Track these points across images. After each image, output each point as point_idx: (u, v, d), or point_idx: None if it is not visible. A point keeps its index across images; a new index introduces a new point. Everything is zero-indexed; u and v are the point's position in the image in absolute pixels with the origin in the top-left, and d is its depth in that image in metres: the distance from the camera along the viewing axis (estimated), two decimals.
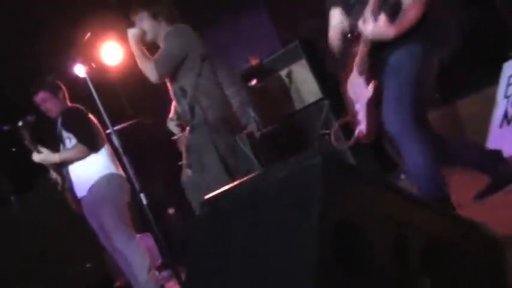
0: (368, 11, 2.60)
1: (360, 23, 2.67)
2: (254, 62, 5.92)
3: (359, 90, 2.93)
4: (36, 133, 4.33)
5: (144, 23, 3.85)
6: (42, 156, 4.30)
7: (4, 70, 5.34)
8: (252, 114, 5.80)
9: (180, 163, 6.13)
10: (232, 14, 7.15)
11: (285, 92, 5.35)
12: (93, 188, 4.30)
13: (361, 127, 2.99)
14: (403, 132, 2.71)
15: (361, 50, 2.79)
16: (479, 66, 4.70)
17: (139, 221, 4.75)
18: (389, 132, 2.79)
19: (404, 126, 2.70)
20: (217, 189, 1.76)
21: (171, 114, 4.07)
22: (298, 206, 1.42)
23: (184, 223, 5.86)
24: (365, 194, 1.47)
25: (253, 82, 5.67)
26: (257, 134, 5.85)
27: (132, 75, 6.49)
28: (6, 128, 4.39)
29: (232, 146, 3.83)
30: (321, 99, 5.13)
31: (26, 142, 4.25)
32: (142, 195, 3.35)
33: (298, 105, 5.34)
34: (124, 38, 5.86)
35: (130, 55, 6.10)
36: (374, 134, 2.96)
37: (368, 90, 2.86)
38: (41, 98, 4.39)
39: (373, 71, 2.84)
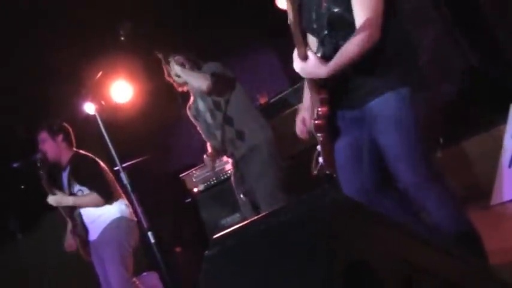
0: (296, 49, 2.41)
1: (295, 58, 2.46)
2: (262, 100, 5.96)
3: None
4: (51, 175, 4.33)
5: (181, 60, 4.14)
6: (56, 198, 4.26)
7: (17, 108, 5.40)
8: None
9: (187, 200, 6.14)
10: (241, 53, 7.24)
11: (293, 130, 5.35)
12: (104, 229, 4.28)
13: (321, 159, 2.83)
14: (422, 192, 2.49)
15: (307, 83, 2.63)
16: (487, 105, 4.72)
17: (146, 260, 4.73)
18: (406, 191, 2.55)
19: (422, 186, 2.48)
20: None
21: (209, 150, 4.22)
22: (307, 246, 1.41)
23: (191, 262, 5.82)
24: (376, 234, 1.46)
25: None
26: None
27: (141, 113, 6.58)
28: (16, 165, 4.40)
29: (284, 166, 4.16)
30: None
31: (43, 182, 4.23)
32: (149, 234, 3.34)
33: (306, 144, 5.33)
34: (134, 77, 5.97)
35: (140, 93, 6.18)
36: (333, 167, 2.77)
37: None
38: (41, 138, 4.37)
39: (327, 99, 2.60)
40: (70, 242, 4.46)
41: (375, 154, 2.59)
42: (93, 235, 4.37)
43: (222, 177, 5.91)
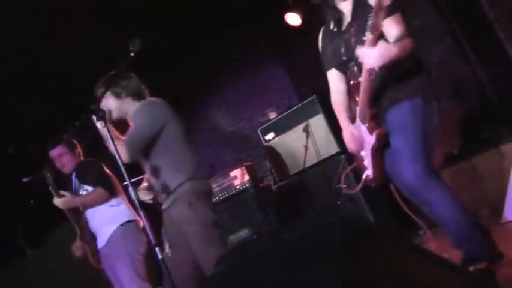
0: (369, 30, 2.59)
1: (359, 50, 2.67)
2: (272, 115, 5.97)
3: (364, 137, 3.00)
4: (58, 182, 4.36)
5: (109, 102, 3.69)
6: (63, 199, 4.27)
7: (26, 125, 5.44)
8: (269, 167, 5.81)
9: None
10: (250, 68, 7.27)
11: (302, 145, 5.36)
12: (111, 238, 4.30)
13: (368, 172, 3.07)
14: (422, 186, 2.71)
15: (360, 99, 2.88)
16: (496, 121, 4.69)
17: (155, 275, 4.71)
18: (407, 188, 2.79)
19: (422, 179, 2.70)
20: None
21: (144, 184, 3.83)
22: (316, 264, 1.40)
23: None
24: (385, 254, 1.45)
25: (271, 135, 5.70)
26: (274, 187, 5.85)
27: None
28: (25, 180, 4.43)
29: (210, 219, 3.53)
30: (337, 154, 5.12)
31: (50, 186, 4.26)
32: (157, 249, 3.32)
33: (315, 159, 5.33)
34: None
35: None
36: (381, 179, 3.03)
37: (372, 138, 2.91)
38: (58, 152, 4.47)
39: (375, 119, 2.90)
40: (77, 245, 4.48)
41: None
42: (101, 242, 4.37)
43: (231, 193, 5.91)
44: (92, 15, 5.01)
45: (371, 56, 2.61)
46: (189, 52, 6.83)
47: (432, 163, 2.77)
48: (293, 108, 5.56)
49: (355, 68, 2.95)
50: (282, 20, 6.25)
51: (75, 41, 5.20)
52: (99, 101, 3.56)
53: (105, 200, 4.33)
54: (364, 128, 2.97)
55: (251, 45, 6.93)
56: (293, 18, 6.21)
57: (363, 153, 3.10)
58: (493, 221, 4.08)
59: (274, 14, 6.29)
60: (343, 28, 3.00)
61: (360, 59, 2.72)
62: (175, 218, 3.60)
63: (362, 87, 2.82)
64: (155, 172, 3.62)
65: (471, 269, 2.61)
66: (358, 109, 2.97)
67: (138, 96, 3.70)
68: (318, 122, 5.31)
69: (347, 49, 2.95)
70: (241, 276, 1.64)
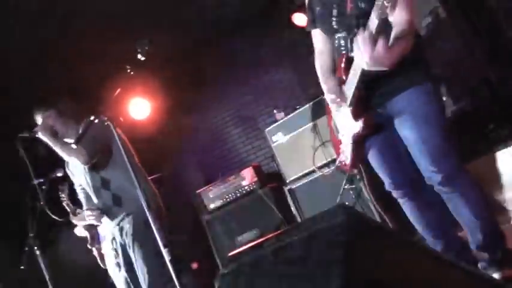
0: (363, 36, 2.23)
1: (356, 47, 2.28)
2: (279, 116, 5.97)
3: (346, 120, 2.72)
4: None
5: (51, 120, 3.75)
6: (80, 217, 4.30)
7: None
8: (277, 168, 5.81)
9: (204, 216, 6.15)
10: (258, 69, 7.27)
11: (310, 146, 5.36)
12: None
13: (343, 158, 2.85)
14: (452, 182, 2.55)
15: (349, 80, 2.54)
16: (504, 120, 4.67)
17: None
18: (434, 184, 2.60)
19: (454, 175, 2.55)
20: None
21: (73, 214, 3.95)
22: (323, 265, 1.40)
23: (207, 278, 5.80)
24: (389, 253, 1.45)
25: (279, 136, 5.70)
26: (282, 188, 5.84)
27: (159, 130, 6.62)
28: (36, 181, 4.44)
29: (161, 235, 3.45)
30: None
31: (64, 203, 4.29)
32: (165, 251, 3.34)
33: (323, 159, 5.33)
34: (151, 94, 6.01)
35: (157, 110, 6.22)
36: (357, 167, 2.89)
37: (355, 125, 2.63)
38: None
39: (363, 105, 2.59)
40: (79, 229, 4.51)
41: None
42: None
43: (239, 194, 5.92)
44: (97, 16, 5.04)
45: (362, 58, 2.26)
46: (195, 54, 6.84)
47: (459, 155, 2.61)
48: (301, 109, 5.55)
49: (346, 42, 2.63)
50: (289, 20, 6.26)
51: (81, 44, 5.21)
52: (40, 116, 3.69)
53: None
54: (347, 111, 2.66)
55: (258, 46, 6.94)
56: (300, 19, 6.22)
57: (341, 135, 2.85)
58: (502, 222, 4.07)
59: (281, 15, 6.30)
60: None
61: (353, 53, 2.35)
62: (130, 234, 3.68)
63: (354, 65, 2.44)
64: (103, 185, 3.71)
65: (496, 275, 2.55)
66: (343, 88, 2.63)
67: (79, 120, 3.82)
68: (326, 122, 5.29)
69: (339, 14, 2.62)
70: (249, 276, 1.64)
